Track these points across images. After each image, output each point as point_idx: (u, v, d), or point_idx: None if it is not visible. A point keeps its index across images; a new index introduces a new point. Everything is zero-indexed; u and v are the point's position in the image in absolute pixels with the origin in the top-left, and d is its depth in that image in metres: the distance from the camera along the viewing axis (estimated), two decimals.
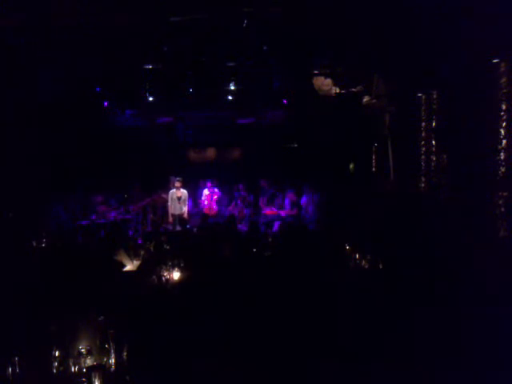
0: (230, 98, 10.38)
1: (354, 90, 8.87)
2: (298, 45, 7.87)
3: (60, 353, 2.55)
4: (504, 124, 5.23)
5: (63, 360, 2.54)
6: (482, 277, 3.95)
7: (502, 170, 5.24)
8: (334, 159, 9.65)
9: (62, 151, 10.16)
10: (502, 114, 5.25)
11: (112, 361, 2.58)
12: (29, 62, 7.76)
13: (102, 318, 2.87)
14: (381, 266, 4.72)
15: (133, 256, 5.48)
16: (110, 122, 12.09)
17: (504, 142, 5.23)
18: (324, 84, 8.87)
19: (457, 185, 6.24)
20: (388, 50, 7.01)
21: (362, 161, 9.49)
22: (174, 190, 10.94)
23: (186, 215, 10.87)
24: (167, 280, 4.56)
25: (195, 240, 6.63)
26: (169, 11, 6.67)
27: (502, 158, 5.25)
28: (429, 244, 5.00)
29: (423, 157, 7.10)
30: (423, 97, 7.13)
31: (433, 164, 6.92)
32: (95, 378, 2.35)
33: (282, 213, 10.54)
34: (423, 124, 7.12)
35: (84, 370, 2.48)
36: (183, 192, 11.00)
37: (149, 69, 9.38)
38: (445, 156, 6.61)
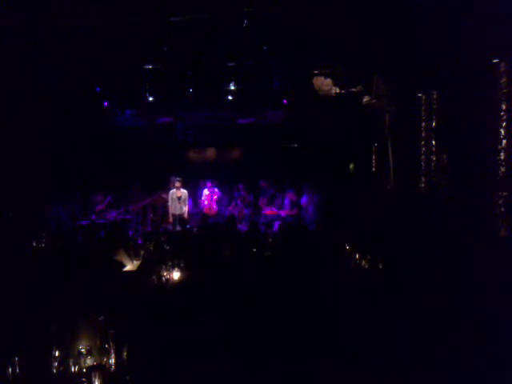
0: (229, 97, 10.37)
1: (354, 89, 8.86)
2: (297, 45, 7.85)
3: (60, 353, 2.54)
4: (504, 124, 5.23)
5: (63, 360, 2.54)
6: (482, 277, 3.95)
7: (502, 169, 5.23)
8: (334, 159, 9.64)
9: (62, 151, 10.17)
10: (502, 114, 5.24)
11: (112, 361, 2.58)
12: (29, 62, 7.76)
13: (102, 317, 2.87)
14: (381, 266, 4.72)
15: (133, 256, 5.49)
16: (110, 121, 12.09)
17: (504, 142, 5.22)
18: (324, 84, 8.87)
19: (457, 185, 6.23)
20: (388, 50, 7.01)
21: (362, 161, 9.46)
22: (174, 190, 10.95)
23: (186, 215, 10.88)
24: (167, 280, 4.56)
25: (195, 240, 6.63)
26: (169, 11, 6.67)
27: (501, 158, 5.24)
28: (429, 244, 5.00)
29: (423, 157, 7.09)
30: (423, 97, 7.12)
31: (433, 164, 6.91)
32: (95, 377, 2.35)
33: (282, 213, 10.54)
34: (423, 124, 7.11)
35: (84, 370, 2.49)
36: (183, 192, 11.01)
37: (149, 69, 9.37)
38: (445, 156, 6.60)
